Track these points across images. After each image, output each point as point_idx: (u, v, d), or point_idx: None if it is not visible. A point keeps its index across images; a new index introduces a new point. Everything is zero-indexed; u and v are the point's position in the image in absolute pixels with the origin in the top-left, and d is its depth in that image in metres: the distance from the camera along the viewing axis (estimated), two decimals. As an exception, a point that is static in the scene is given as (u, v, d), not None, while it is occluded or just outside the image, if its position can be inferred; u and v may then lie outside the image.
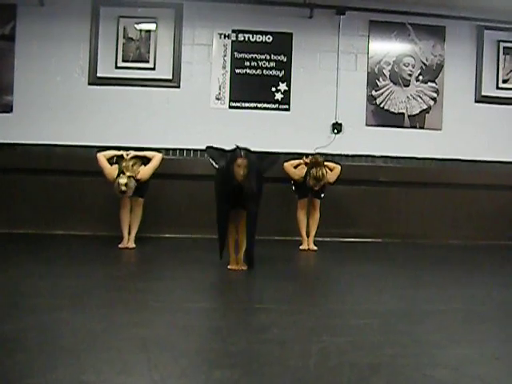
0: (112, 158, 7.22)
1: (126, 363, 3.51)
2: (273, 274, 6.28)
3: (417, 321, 4.70)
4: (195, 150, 8.34)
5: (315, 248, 7.71)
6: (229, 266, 6.30)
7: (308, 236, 7.78)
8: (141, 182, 7.14)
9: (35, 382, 3.19)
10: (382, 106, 8.78)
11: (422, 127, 8.86)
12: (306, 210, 7.77)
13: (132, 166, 7.10)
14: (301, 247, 7.74)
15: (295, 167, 7.67)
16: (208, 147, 6.47)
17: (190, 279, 5.93)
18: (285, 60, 8.61)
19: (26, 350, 3.63)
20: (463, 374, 3.58)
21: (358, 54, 8.76)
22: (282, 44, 8.61)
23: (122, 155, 7.22)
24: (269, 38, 8.57)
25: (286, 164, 7.65)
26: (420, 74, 8.87)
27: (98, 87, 8.32)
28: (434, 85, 8.88)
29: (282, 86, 8.59)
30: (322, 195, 7.68)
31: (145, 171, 7.19)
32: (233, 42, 8.55)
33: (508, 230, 8.81)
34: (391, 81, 8.81)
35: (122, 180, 6.92)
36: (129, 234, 7.33)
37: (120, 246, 7.25)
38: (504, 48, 9.02)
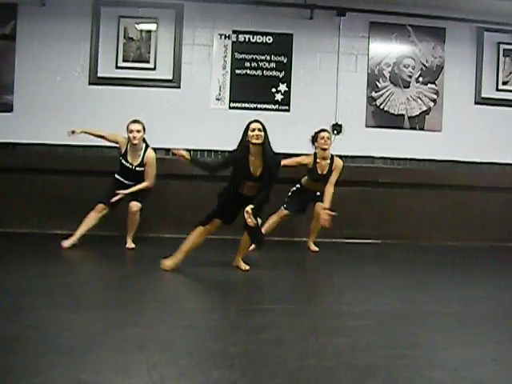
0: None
1: (125, 363, 3.53)
2: (271, 275, 6.29)
3: (415, 322, 4.72)
4: (195, 151, 8.34)
5: (316, 249, 7.72)
6: (166, 263, 6.23)
7: (309, 236, 7.79)
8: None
9: (34, 382, 3.20)
10: (381, 107, 8.78)
11: (421, 129, 8.86)
12: (281, 223, 7.72)
13: None
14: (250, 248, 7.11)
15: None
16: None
17: (189, 279, 5.94)
18: (285, 61, 8.61)
19: (26, 349, 3.64)
20: (461, 375, 3.59)
21: (358, 55, 8.76)
22: (283, 45, 8.61)
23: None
24: (269, 39, 8.58)
25: (284, 162, 7.54)
26: (420, 76, 8.87)
27: (99, 87, 8.32)
28: (433, 86, 8.89)
29: (282, 87, 8.60)
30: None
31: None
32: (233, 42, 8.55)
33: (508, 231, 8.81)
34: (391, 82, 8.82)
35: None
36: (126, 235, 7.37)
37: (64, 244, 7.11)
38: (504, 50, 9.01)
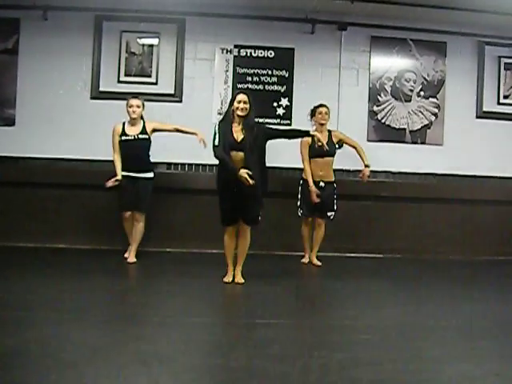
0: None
1: (126, 378, 3.51)
2: (274, 289, 6.27)
3: (417, 336, 4.70)
4: (197, 165, 8.35)
5: (319, 263, 7.69)
6: (224, 279, 6.37)
7: (311, 251, 7.78)
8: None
9: (36, 397, 3.20)
10: (383, 121, 8.79)
11: (423, 143, 8.86)
12: (311, 226, 7.75)
13: None
14: (302, 260, 7.75)
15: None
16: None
17: (191, 294, 5.93)
18: (287, 75, 8.63)
19: (28, 363, 3.63)
20: (464, 390, 3.58)
21: (359, 70, 8.77)
22: (284, 59, 8.63)
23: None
24: (271, 54, 8.60)
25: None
26: (421, 90, 8.88)
27: (101, 101, 8.33)
28: (435, 100, 8.90)
29: (284, 101, 8.61)
30: (331, 215, 7.67)
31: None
32: (235, 56, 8.58)
33: (509, 245, 8.79)
34: (392, 96, 8.83)
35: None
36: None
37: (126, 255, 7.42)
38: (505, 64, 9.02)
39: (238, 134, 6.22)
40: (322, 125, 7.63)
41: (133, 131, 7.30)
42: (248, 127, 6.23)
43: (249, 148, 6.17)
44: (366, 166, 7.71)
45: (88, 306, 5.21)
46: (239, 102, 6.21)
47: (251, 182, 5.97)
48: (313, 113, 7.69)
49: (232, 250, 6.48)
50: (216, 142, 6.19)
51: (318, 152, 7.45)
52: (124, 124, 7.33)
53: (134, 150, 7.29)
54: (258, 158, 6.25)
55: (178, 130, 7.40)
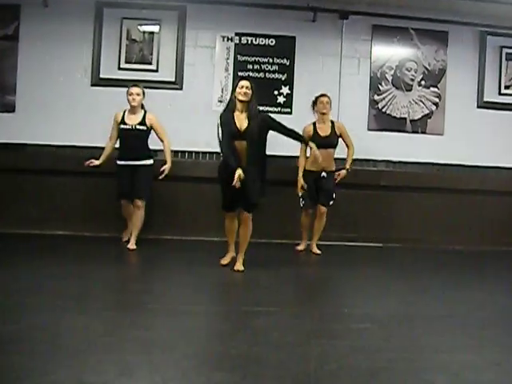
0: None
1: (127, 365, 3.52)
2: (273, 277, 6.28)
3: (416, 325, 4.71)
4: (197, 153, 8.35)
5: (319, 252, 7.69)
6: (221, 261, 6.53)
7: (310, 240, 7.78)
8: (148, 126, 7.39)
9: (38, 383, 3.20)
10: (384, 110, 8.77)
11: (423, 132, 8.85)
12: (310, 218, 7.76)
13: None
14: (298, 247, 7.82)
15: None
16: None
17: (191, 281, 5.93)
18: (287, 63, 8.61)
19: (28, 350, 3.64)
20: (463, 379, 3.59)
21: (360, 59, 8.74)
22: (285, 47, 8.60)
23: None
24: (272, 42, 8.58)
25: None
26: (422, 79, 8.86)
27: (101, 88, 8.31)
28: (436, 90, 8.88)
29: (285, 90, 8.59)
30: (331, 202, 7.67)
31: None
32: (236, 44, 8.55)
33: (509, 235, 8.79)
34: (393, 85, 8.81)
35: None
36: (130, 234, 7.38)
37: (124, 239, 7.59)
38: (506, 54, 8.99)
39: (242, 123, 6.21)
40: (324, 114, 7.62)
41: (132, 120, 7.34)
42: (252, 115, 6.23)
43: (252, 137, 6.18)
44: (347, 169, 7.72)
45: (89, 293, 5.23)
46: (241, 87, 6.20)
47: (237, 185, 5.99)
48: (314, 103, 7.70)
49: (233, 232, 6.61)
50: (220, 137, 6.19)
51: (320, 143, 7.42)
52: (125, 112, 7.37)
53: (131, 140, 7.34)
54: (260, 148, 6.27)
55: (163, 144, 7.45)
